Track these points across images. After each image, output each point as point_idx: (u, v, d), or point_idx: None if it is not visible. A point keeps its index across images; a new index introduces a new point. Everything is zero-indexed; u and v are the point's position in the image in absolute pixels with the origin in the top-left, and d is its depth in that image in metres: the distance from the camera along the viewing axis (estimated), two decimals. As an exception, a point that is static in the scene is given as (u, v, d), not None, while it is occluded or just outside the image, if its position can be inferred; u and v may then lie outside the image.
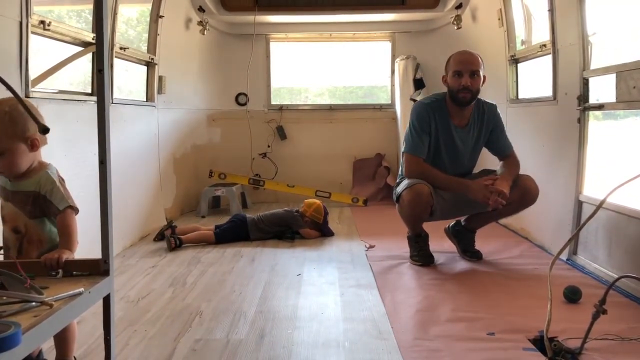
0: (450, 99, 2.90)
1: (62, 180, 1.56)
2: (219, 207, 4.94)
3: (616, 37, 2.95)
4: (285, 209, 3.84)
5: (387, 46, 5.37)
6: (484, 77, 2.88)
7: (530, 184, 2.85)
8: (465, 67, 2.82)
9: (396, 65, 5.08)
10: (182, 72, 4.73)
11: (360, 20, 5.08)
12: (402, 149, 3.02)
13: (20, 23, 2.34)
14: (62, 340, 1.60)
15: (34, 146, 1.49)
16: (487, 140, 3.00)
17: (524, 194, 2.83)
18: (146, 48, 4.13)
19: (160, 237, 3.56)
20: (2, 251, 1.57)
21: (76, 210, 1.53)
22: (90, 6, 3.44)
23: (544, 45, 3.30)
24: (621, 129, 3.09)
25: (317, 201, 3.83)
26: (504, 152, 2.98)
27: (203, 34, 4.76)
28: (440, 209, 2.90)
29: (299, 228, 3.68)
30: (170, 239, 3.37)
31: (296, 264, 3.06)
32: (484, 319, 2.13)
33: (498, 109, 3.01)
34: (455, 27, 4.67)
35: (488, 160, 3.17)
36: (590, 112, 2.85)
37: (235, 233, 3.59)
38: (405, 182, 2.90)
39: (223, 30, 5.15)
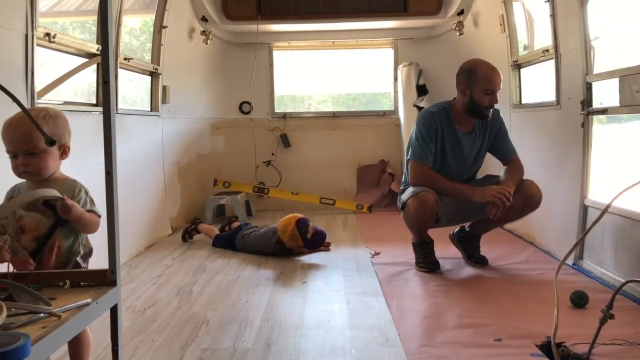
0: (466, 110, 2.88)
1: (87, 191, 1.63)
2: (223, 216, 4.94)
3: (619, 41, 2.95)
4: (267, 230, 3.48)
5: (389, 53, 5.38)
6: None
7: (533, 188, 2.84)
8: (497, 86, 2.83)
9: (399, 71, 5.09)
10: (186, 82, 4.75)
11: (363, 27, 5.09)
12: (407, 156, 3.02)
13: (26, 36, 2.36)
14: (78, 350, 1.61)
15: (64, 154, 1.58)
16: (490, 145, 3.00)
17: (526, 198, 2.82)
18: (149, 58, 4.16)
19: (189, 236, 3.91)
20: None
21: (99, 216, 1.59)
22: (94, 17, 3.47)
23: (547, 50, 3.31)
24: (625, 132, 3.09)
25: (292, 222, 3.33)
26: (508, 156, 2.98)
27: (206, 43, 4.79)
28: (445, 216, 2.90)
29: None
30: (189, 233, 3.89)
31: (301, 271, 3.06)
32: (490, 325, 2.12)
33: (501, 114, 3.02)
34: (458, 34, 4.68)
35: (492, 166, 3.17)
36: (594, 117, 2.85)
37: (227, 245, 3.66)
38: (410, 190, 2.90)
39: (226, 40, 5.18)
